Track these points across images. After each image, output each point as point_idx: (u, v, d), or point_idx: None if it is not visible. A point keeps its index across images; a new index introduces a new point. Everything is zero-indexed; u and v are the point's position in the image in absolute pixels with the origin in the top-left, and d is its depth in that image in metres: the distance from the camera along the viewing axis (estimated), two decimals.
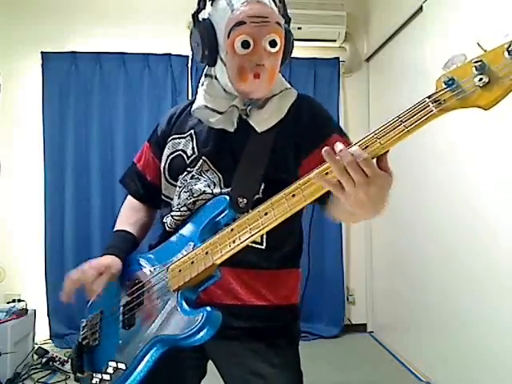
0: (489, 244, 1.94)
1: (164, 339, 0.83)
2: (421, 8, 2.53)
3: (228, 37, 0.90)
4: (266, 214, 0.77)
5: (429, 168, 2.44)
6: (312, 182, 0.73)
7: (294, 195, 0.75)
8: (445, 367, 2.33)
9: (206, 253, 0.83)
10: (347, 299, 3.48)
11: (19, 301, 2.81)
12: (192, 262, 0.85)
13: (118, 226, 1.11)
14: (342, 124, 3.44)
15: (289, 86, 1.02)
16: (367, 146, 0.67)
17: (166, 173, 1.05)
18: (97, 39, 3.26)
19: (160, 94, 3.26)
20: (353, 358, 2.99)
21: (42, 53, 3.18)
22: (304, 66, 3.38)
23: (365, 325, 3.50)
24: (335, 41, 3.36)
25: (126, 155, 3.19)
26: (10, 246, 3.17)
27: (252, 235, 0.79)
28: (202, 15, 0.95)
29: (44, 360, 2.70)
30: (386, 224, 3.22)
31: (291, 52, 0.99)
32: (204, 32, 0.93)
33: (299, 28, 3.16)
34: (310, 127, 0.98)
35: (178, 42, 2.88)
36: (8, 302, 2.81)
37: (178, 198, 1.00)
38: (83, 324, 1.02)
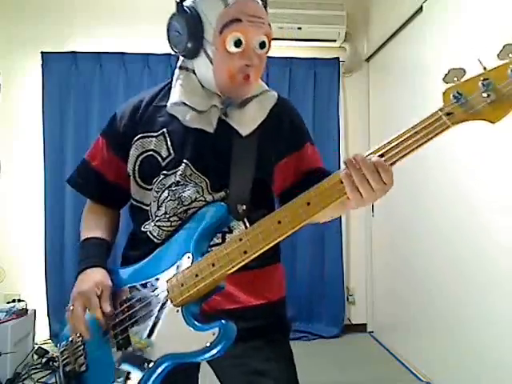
0: (489, 244, 1.94)
1: (175, 356, 0.78)
2: (421, 8, 2.53)
3: (220, 33, 0.86)
4: (279, 222, 0.75)
5: (429, 168, 2.44)
6: (328, 190, 0.73)
7: (308, 203, 0.74)
8: (445, 367, 2.33)
9: (213, 264, 0.79)
10: (347, 299, 3.48)
11: (19, 301, 2.81)
12: (196, 275, 0.80)
13: (85, 234, 1.01)
14: (342, 124, 3.46)
15: (267, 87, 1.00)
16: (383, 155, 0.71)
17: (137, 175, 0.96)
18: (97, 39, 3.27)
19: None
20: (353, 358, 2.99)
21: (42, 53, 3.19)
22: (304, 65, 3.38)
23: (365, 325, 3.49)
24: (335, 41, 3.35)
25: None
26: (10, 246, 3.17)
27: (266, 244, 0.76)
28: (187, 3, 0.90)
29: (44, 360, 2.71)
30: (386, 224, 3.23)
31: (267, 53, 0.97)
32: (190, 22, 0.87)
33: (299, 28, 3.16)
34: (289, 132, 0.98)
35: None
36: (8, 302, 2.81)
37: (161, 206, 0.92)
38: (61, 349, 0.94)
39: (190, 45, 0.88)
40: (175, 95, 0.93)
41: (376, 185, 0.70)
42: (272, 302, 0.99)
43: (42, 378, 2.57)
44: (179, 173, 0.91)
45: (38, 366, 2.68)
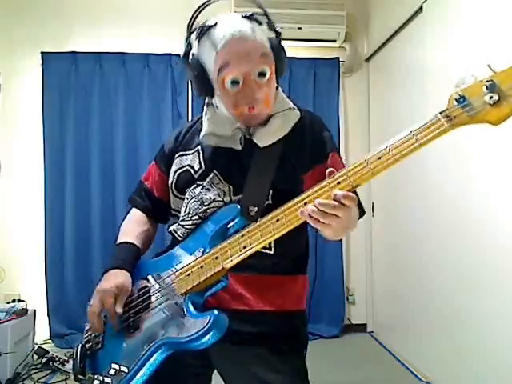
0: (488, 243, 1.94)
1: (170, 342, 0.84)
2: (421, 8, 2.53)
3: (217, 77, 0.93)
4: (277, 220, 0.80)
5: (429, 168, 2.44)
6: (324, 190, 0.77)
7: (306, 203, 0.78)
8: (445, 367, 2.33)
9: (216, 257, 0.86)
10: (347, 299, 3.48)
11: (19, 301, 2.80)
12: (201, 267, 0.87)
13: (121, 238, 1.11)
14: (341, 124, 3.46)
15: (292, 105, 1.04)
16: (380, 157, 0.73)
17: (173, 187, 1.08)
18: (97, 39, 3.27)
19: (160, 94, 3.26)
20: (353, 358, 2.99)
21: (42, 53, 3.19)
22: (304, 66, 3.37)
23: (365, 325, 3.50)
24: (335, 41, 3.36)
25: (126, 155, 3.20)
26: (10, 246, 3.17)
27: (263, 241, 0.82)
28: (193, 50, 0.97)
29: (44, 360, 2.70)
30: (386, 224, 3.23)
31: (285, 67, 1.01)
32: (195, 71, 0.96)
33: (299, 28, 3.15)
34: (312, 145, 1.02)
35: (178, 42, 2.93)
36: (8, 302, 2.80)
37: (187, 207, 1.02)
38: (87, 327, 1.03)
39: (201, 89, 0.99)
40: (205, 128, 1.03)
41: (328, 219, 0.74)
42: (285, 311, 1.00)
43: (42, 377, 2.57)
44: (207, 180, 1.02)
45: (38, 366, 2.68)
